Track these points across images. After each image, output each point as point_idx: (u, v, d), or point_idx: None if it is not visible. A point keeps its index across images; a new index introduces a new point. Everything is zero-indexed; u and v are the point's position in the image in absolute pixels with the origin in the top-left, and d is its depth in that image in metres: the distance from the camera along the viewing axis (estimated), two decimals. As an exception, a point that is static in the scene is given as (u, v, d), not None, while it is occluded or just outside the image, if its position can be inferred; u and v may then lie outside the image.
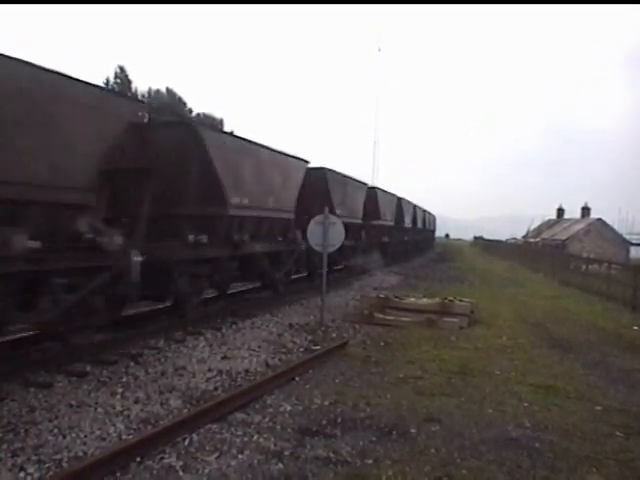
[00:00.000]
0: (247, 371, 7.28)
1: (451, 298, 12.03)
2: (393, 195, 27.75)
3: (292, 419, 5.54)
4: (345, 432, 5.26)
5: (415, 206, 36.41)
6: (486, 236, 72.64)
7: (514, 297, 16.46)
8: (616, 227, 48.44)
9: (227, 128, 40.94)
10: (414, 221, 35.36)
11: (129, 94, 40.02)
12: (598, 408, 6.34)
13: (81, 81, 6.63)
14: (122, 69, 49.96)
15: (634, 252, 46.21)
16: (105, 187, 7.45)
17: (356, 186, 19.51)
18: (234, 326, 10.14)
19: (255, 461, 4.58)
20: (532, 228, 58.82)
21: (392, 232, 26.77)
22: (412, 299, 12.56)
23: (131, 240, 7.85)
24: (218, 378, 6.91)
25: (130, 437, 4.93)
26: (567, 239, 45.78)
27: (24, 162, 5.95)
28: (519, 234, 62.41)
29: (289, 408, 5.85)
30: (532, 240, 51.59)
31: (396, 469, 4.46)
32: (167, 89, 51.98)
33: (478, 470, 4.55)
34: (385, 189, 25.65)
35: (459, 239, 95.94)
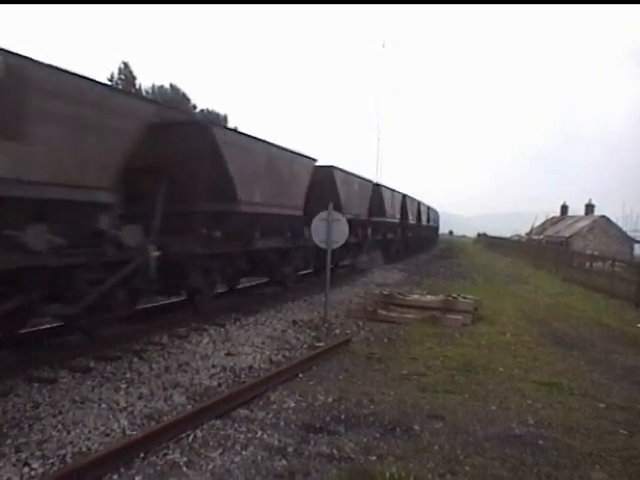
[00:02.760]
0: (251, 367, 7.29)
1: (455, 295, 12.02)
2: (367, 181, 20.63)
3: (296, 415, 5.55)
4: (349, 429, 5.26)
5: (405, 196, 28.45)
6: (490, 233, 72.49)
7: (518, 294, 16.44)
8: (620, 224, 48.32)
9: (231, 124, 40.81)
10: (404, 215, 27.62)
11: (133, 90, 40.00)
12: (601, 405, 6.33)
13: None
14: (126, 65, 50.15)
15: (638, 249, 46.07)
16: None
17: (289, 160, 12.53)
18: (237, 322, 10.14)
19: (259, 457, 4.58)
20: (536, 225, 58.69)
21: (364, 229, 19.92)
22: (416, 296, 12.57)
23: None
24: (222, 374, 6.92)
25: (134, 433, 4.94)
26: (571, 236, 45.62)
27: None
28: (523, 231, 62.27)
29: (293, 404, 5.86)
30: (536, 237, 51.46)
31: (400, 465, 4.46)
32: (171, 85, 52.10)
33: (481, 467, 4.55)
34: (353, 172, 18.19)
35: (463, 236, 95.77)
